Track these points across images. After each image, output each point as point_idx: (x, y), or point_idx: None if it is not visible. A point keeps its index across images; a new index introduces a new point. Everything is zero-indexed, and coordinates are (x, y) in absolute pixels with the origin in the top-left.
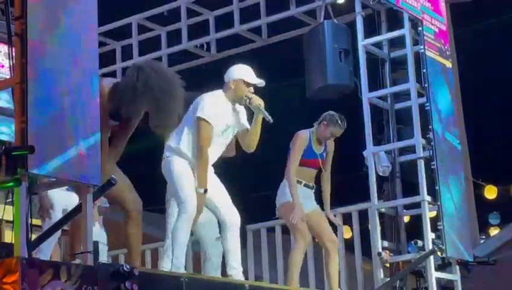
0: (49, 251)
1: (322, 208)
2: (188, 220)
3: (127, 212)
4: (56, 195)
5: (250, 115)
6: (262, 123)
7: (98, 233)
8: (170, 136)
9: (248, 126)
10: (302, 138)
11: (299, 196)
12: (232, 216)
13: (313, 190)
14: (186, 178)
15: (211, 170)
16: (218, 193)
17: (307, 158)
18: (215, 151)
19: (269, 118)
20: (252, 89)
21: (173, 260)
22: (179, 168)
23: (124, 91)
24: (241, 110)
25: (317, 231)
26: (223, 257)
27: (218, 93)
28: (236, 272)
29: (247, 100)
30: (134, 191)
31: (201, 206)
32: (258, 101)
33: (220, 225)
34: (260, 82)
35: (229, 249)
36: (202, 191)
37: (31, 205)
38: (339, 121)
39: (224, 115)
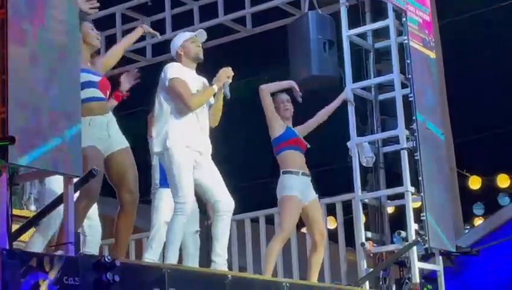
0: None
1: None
2: (183, 222)
3: (121, 200)
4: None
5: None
6: (224, 98)
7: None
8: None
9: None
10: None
11: (299, 185)
12: (225, 203)
13: (310, 178)
14: (187, 175)
15: (206, 153)
16: (213, 178)
17: (292, 137)
18: (200, 122)
19: (227, 95)
20: (199, 43)
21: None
22: (179, 160)
23: None
24: (204, 80)
25: (310, 221)
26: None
27: (177, 64)
28: (220, 259)
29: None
30: (137, 182)
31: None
32: (227, 74)
33: (213, 210)
34: (199, 32)
35: (217, 235)
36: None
37: (11, 196)
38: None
39: (191, 81)
